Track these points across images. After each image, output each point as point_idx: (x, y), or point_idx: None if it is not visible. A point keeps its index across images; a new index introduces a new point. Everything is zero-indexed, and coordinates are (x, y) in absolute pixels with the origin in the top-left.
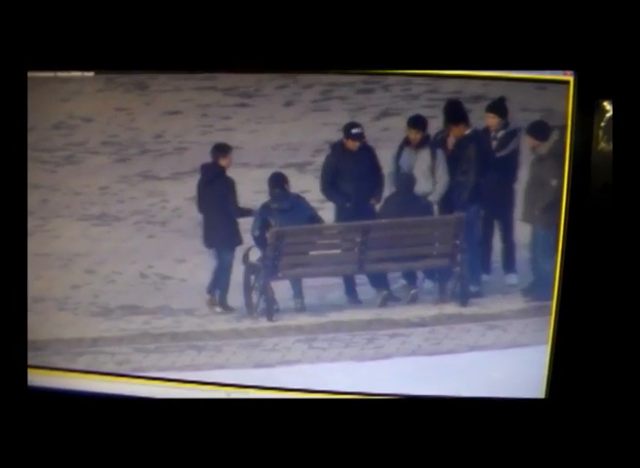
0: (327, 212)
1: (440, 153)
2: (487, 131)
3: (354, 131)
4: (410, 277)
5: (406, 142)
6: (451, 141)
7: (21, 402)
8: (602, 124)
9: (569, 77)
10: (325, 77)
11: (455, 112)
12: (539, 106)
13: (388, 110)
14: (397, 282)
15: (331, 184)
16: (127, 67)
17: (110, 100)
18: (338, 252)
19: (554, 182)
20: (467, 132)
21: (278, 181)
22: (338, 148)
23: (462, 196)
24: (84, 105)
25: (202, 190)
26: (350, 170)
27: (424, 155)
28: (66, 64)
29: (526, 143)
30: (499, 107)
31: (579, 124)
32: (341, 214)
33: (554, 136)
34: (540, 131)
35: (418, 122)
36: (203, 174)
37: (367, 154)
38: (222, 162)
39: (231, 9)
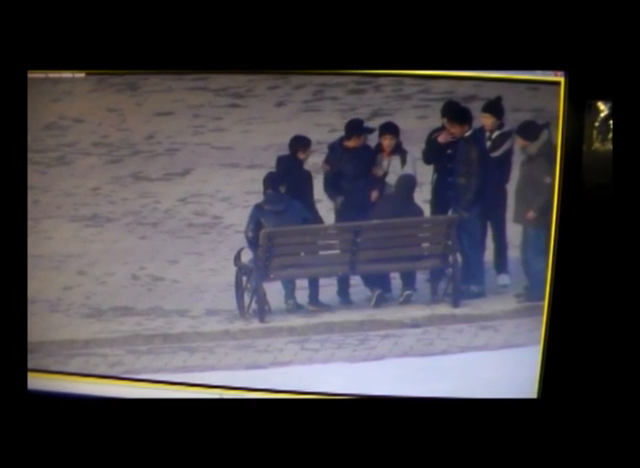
0: (323, 212)
1: (411, 157)
2: (482, 131)
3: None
4: (406, 278)
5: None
6: (444, 142)
7: (21, 405)
8: (596, 124)
9: (560, 78)
10: (316, 78)
11: (460, 112)
12: (530, 107)
13: (380, 111)
14: (392, 282)
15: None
16: (125, 67)
17: (101, 101)
18: (329, 253)
19: (547, 180)
20: (468, 133)
21: (272, 182)
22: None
23: (465, 198)
24: (75, 106)
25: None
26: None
27: (395, 161)
28: (67, 64)
29: (516, 144)
30: (495, 107)
31: (570, 124)
32: (340, 214)
33: (544, 136)
34: (529, 131)
35: (391, 128)
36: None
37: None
38: (301, 155)
39: (223, 9)
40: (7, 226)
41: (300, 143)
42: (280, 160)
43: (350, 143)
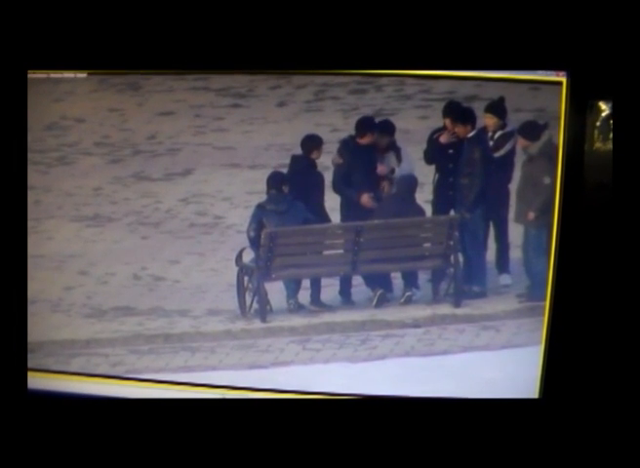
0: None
1: (406, 155)
2: (485, 131)
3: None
4: (408, 278)
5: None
6: (446, 142)
7: (21, 405)
8: (597, 124)
9: (562, 78)
10: (318, 78)
11: (464, 112)
12: (532, 107)
13: (382, 111)
14: (393, 282)
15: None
16: (127, 67)
17: (103, 101)
18: (331, 253)
19: (547, 181)
20: (472, 133)
21: (276, 182)
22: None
23: (468, 199)
24: (77, 106)
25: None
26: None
27: (390, 158)
28: (68, 64)
29: (518, 144)
30: (498, 108)
31: (571, 124)
32: (343, 214)
33: (545, 136)
34: (530, 131)
35: (387, 127)
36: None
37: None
38: (315, 154)
39: (224, 9)
40: (7, 226)
41: (313, 142)
42: (294, 159)
43: (363, 141)
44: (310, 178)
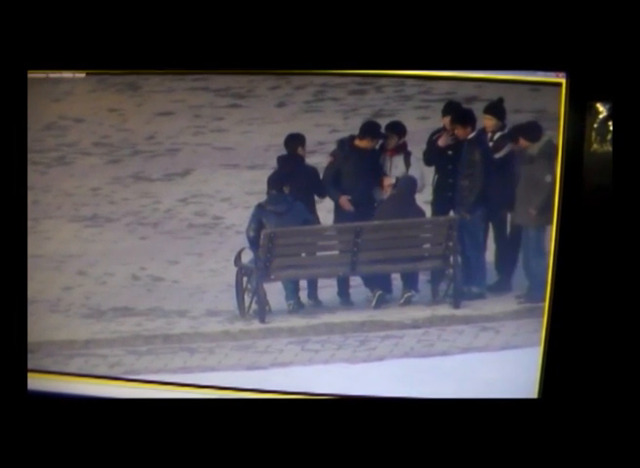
0: (322, 213)
1: (415, 161)
2: (484, 133)
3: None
4: (407, 279)
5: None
6: (444, 143)
7: (21, 405)
8: (595, 125)
9: (561, 79)
10: (318, 78)
11: (464, 114)
12: (531, 108)
13: (381, 111)
14: (393, 283)
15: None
16: (126, 67)
17: (102, 101)
18: (330, 253)
19: (548, 179)
20: (472, 135)
21: (276, 183)
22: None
23: (468, 200)
24: (76, 106)
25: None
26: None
27: (398, 161)
28: (67, 64)
29: (518, 144)
30: (497, 109)
31: (571, 125)
32: (341, 214)
33: (545, 137)
34: (531, 132)
35: (396, 128)
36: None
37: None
38: (301, 151)
39: (224, 9)
40: (7, 226)
41: (296, 140)
42: (281, 160)
43: (361, 144)
44: (305, 174)
